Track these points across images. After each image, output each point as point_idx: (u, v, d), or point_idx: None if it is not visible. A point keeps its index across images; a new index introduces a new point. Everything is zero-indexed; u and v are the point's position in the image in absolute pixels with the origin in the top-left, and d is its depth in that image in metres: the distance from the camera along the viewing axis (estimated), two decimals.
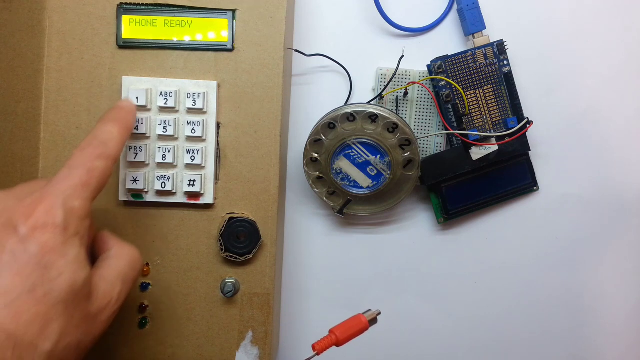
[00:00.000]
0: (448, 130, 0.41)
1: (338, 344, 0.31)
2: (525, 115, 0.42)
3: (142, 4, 0.36)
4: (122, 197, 0.37)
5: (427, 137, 0.43)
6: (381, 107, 0.40)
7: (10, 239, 0.24)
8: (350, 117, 0.39)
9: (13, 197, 0.27)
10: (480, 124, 0.42)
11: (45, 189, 0.27)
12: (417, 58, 0.43)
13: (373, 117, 0.39)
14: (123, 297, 0.29)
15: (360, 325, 0.32)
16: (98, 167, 0.28)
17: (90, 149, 0.29)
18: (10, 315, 0.23)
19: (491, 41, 0.42)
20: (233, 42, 0.37)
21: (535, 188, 0.45)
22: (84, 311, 0.26)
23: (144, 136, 0.37)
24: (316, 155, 0.41)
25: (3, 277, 0.24)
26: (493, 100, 0.42)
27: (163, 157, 0.37)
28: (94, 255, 0.30)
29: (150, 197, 0.37)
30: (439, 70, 0.41)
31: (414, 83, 0.42)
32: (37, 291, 0.24)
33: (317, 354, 0.31)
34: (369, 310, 0.33)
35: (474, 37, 0.42)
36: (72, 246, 0.26)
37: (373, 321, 0.32)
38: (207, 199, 0.37)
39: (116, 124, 0.31)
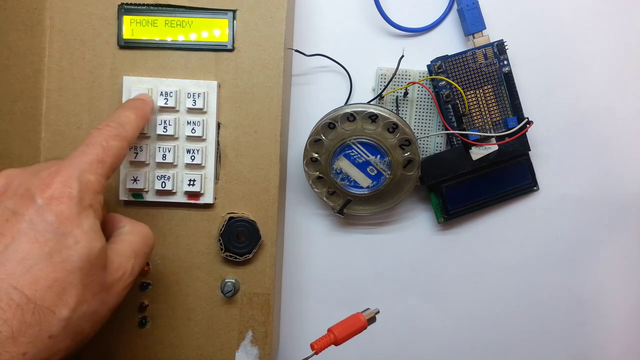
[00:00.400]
0: (448, 130, 0.41)
1: (337, 342, 0.31)
2: (525, 115, 0.42)
3: (143, 5, 0.37)
4: (123, 197, 0.37)
5: (427, 137, 0.43)
6: (381, 107, 0.41)
7: (29, 208, 0.25)
8: (350, 117, 0.39)
9: (30, 172, 0.28)
10: (480, 124, 0.42)
11: (61, 164, 0.28)
12: (417, 58, 0.43)
13: (373, 117, 0.39)
14: (136, 271, 0.30)
15: (358, 324, 0.32)
16: (114, 146, 0.29)
17: (108, 129, 0.30)
18: (29, 281, 0.24)
19: (491, 41, 0.42)
20: (233, 42, 0.37)
21: (535, 188, 0.45)
22: (100, 281, 0.27)
23: (144, 136, 0.37)
24: (316, 155, 0.41)
25: (22, 244, 0.24)
26: (493, 100, 0.42)
27: (163, 157, 0.37)
28: (105, 233, 0.31)
29: (150, 197, 0.37)
30: (439, 70, 0.41)
31: (414, 83, 0.42)
32: (55, 258, 0.25)
33: (316, 353, 0.31)
34: (368, 309, 0.33)
35: (474, 37, 0.42)
36: (87, 217, 0.27)
37: (372, 320, 0.32)
38: (207, 198, 0.37)
39: (134, 110, 0.33)
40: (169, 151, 0.37)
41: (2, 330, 0.23)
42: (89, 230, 0.26)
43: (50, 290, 0.24)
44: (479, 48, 0.42)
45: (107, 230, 0.31)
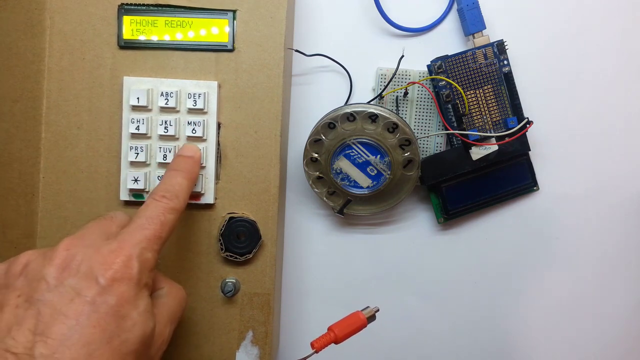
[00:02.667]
0: (448, 130, 0.41)
1: (336, 341, 0.31)
2: (525, 115, 0.43)
3: (143, 5, 0.37)
4: (123, 197, 0.37)
5: (427, 137, 0.43)
6: (381, 107, 0.41)
7: (92, 289, 0.26)
8: (350, 117, 0.40)
9: (90, 246, 0.28)
10: (480, 124, 0.42)
11: (122, 239, 0.28)
12: (417, 58, 0.43)
13: (373, 117, 0.39)
14: (170, 335, 0.30)
15: (358, 322, 0.32)
16: (170, 220, 0.30)
17: (165, 201, 0.30)
18: None
19: (491, 41, 0.42)
20: (233, 43, 0.37)
21: (535, 188, 0.45)
22: (148, 355, 0.28)
23: (145, 136, 0.37)
24: (316, 155, 0.41)
25: (84, 327, 0.25)
26: (493, 100, 0.42)
27: (164, 157, 0.37)
28: None
29: None
30: (439, 70, 0.41)
31: (414, 83, 0.42)
32: (114, 342, 0.25)
33: (316, 352, 0.31)
34: (367, 307, 0.33)
35: (474, 37, 0.42)
36: (143, 297, 0.27)
37: (371, 318, 0.32)
38: (208, 198, 0.37)
39: (186, 175, 0.33)
40: (170, 151, 0.37)
41: None
42: (144, 312, 0.27)
43: None
44: (479, 48, 0.42)
45: None
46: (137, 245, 0.28)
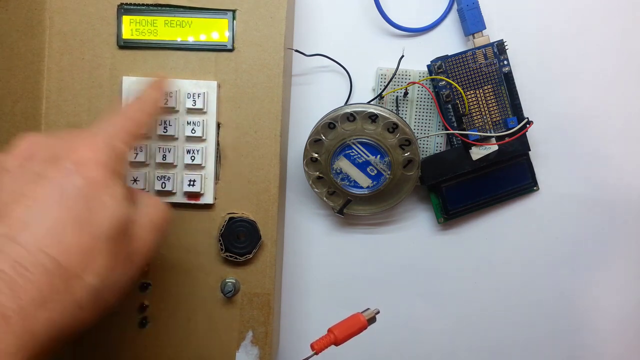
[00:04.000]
0: (448, 130, 0.41)
1: (337, 343, 0.31)
2: (525, 115, 0.42)
3: (143, 5, 0.37)
4: None
5: (427, 137, 0.43)
6: (381, 107, 0.41)
7: (57, 172, 0.24)
8: (350, 117, 0.39)
9: (56, 137, 0.27)
10: (480, 124, 0.42)
11: (88, 130, 0.27)
12: (417, 58, 0.43)
13: (373, 117, 0.39)
14: (154, 245, 0.29)
15: (358, 324, 0.32)
16: (137, 117, 0.30)
17: (132, 103, 0.31)
18: (59, 246, 0.23)
19: (491, 41, 0.42)
20: (233, 42, 0.37)
21: (535, 188, 0.45)
22: (126, 250, 0.26)
23: (144, 136, 0.37)
24: (316, 155, 0.41)
25: (50, 209, 0.23)
26: (493, 100, 0.42)
27: (163, 157, 0.37)
28: None
29: None
30: (439, 70, 0.41)
31: (414, 83, 0.42)
32: (83, 224, 0.24)
33: (316, 354, 0.31)
34: (368, 309, 0.33)
35: (474, 37, 0.42)
36: (116, 183, 0.26)
37: (372, 320, 0.32)
38: (207, 199, 0.37)
39: (157, 90, 0.33)
40: (169, 151, 0.37)
41: (32, 295, 0.22)
42: (117, 196, 0.25)
43: (80, 257, 0.24)
44: (479, 48, 0.42)
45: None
46: (105, 133, 0.27)
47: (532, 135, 0.44)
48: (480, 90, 0.42)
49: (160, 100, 0.33)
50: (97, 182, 0.25)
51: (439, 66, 0.41)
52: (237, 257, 0.37)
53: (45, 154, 0.25)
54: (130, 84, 0.37)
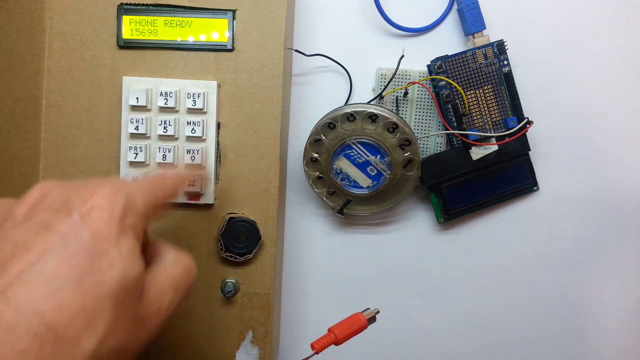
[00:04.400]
0: (448, 130, 0.41)
1: (337, 342, 0.31)
2: (525, 115, 0.42)
3: (142, 5, 0.37)
4: None
5: (427, 137, 0.43)
6: (381, 107, 0.41)
7: (62, 222, 0.22)
8: (350, 117, 0.39)
9: (71, 186, 0.25)
10: (480, 124, 0.42)
11: (110, 178, 0.26)
12: (417, 58, 0.43)
13: (373, 117, 0.39)
14: (174, 306, 0.26)
15: (359, 324, 0.32)
16: (159, 192, 0.27)
17: (155, 180, 0.28)
18: (53, 305, 0.21)
19: (491, 41, 0.42)
20: (233, 42, 0.37)
21: (535, 188, 0.45)
22: (134, 312, 0.24)
23: (144, 136, 0.37)
24: (316, 155, 0.41)
25: (49, 262, 0.21)
26: (493, 100, 0.42)
27: (163, 157, 0.37)
28: (146, 261, 0.28)
29: None
30: (439, 70, 0.41)
31: (414, 83, 0.42)
32: (85, 281, 0.22)
33: (316, 353, 0.31)
34: (368, 308, 0.33)
35: (474, 37, 0.42)
36: (128, 238, 0.23)
37: (372, 320, 0.32)
38: (208, 199, 0.37)
39: (177, 185, 0.30)
40: (169, 151, 0.37)
41: None
42: (127, 254, 0.23)
43: (77, 318, 0.21)
44: (479, 48, 0.42)
45: (148, 257, 0.28)
46: (126, 187, 0.24)
47: (532, 135, 0.44)
48: (480, 90, 0.42)
49: (175, 193, 0.29)
50: (105, 236, 0.23)
51: (439, 66, 0.41)
52: (237, 257, 0.37)
53: (57, 201, 0.24)
54: (130, 83, 0.37)
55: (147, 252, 0.28)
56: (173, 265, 0.27)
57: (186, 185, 0.31)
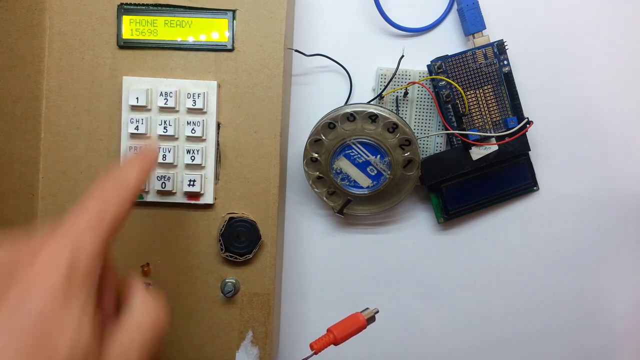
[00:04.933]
0: (448, 130, 0.41)
1: (336, 342, 0.31)
2: (525, 115, 0.42)
3: (142, 5, 0.37)
4: None
5: (427, 137, 0.43)
6: (381, 107, 0.41)
7: (9, 291, 0.22)
8: (350, 117, 0.39)
9: (24, 244, 0.24)
10: (480, 124, 0.42)
11: (57, 228, 0.24)
12: (417, 58, 0.43)
13: (373, 117, 0.39)
14: (145, 357, 0.25)
15: (358, 324, 0.32)
16: (112, 201, 0.25)
17: (105, 182, 0.26)
18: None
19: (491, 41, 0.42)
20: (233, 42, 0.37)
21: (535, 188, 0.45)
22: None
23: (144, 136, 0.37)
24: (316, 155, 0.41)
25: None
26: (493, 100, 0.42)
27: (163, 157, 0.37)
28: (110, 304, 0.27)
29: (150, 197, 0.37)
30: (439, 70, 0.41)
31: (414, 83, 0.42)
32: (36, 355, 0.21)
33: (315, 353, 0.31)
34: (367, 308, 0.33)
35: (474, 37, 0.42)
36: (76, 304, 0.22)
37: (371, 319, 0.32)
38: (207, 199, 0.37)
39: (136, 161, 0.28)
40: (169, 151, 0.37)
41: None
42: (76, 322, 0.22)
43: None
44: (479, 48, 0.42)
45: (120, 296, 0.27)
46: (70, 230, 0.23)
47: (532, 135, 0.44)
48: (480, 90, 0.42)
49: (141, 171, 0.27)
50: (53, 302, 0.22)
51: (439, 66, 0.41)
52: (237, 257, 0.37)
53: (4, 268, 0.22)
54: (130, 83, 0.37)
55: (114, 292, 0.27)
56: (140, 319, 0.25)
57: (150, 169, 0.29)
